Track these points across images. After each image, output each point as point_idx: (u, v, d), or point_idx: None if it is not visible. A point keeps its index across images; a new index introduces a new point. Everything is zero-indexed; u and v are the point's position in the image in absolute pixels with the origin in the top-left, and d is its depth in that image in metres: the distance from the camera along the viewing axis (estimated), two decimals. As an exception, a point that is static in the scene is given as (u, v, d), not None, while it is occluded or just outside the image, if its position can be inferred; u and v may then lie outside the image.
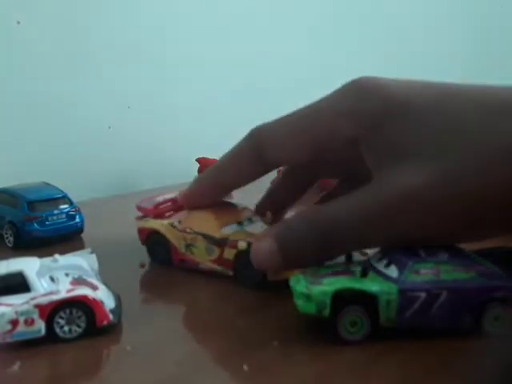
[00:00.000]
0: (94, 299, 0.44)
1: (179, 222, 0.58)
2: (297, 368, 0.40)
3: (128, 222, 0.72)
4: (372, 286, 0.42)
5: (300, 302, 0.43)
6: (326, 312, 0.42)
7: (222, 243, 0.55)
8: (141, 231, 0.61)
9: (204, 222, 0.56)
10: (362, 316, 0.42)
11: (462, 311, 0.42)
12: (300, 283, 0.44)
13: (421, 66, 1.22)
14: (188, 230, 0.57)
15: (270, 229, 0.50)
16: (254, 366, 0.40)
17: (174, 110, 1.03)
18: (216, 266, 0.55)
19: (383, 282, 0.42)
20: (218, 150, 0.88)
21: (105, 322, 0.44)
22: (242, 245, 0.53)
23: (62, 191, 0.68)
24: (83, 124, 0.94)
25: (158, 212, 0.62)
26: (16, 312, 0.43)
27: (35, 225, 0.65)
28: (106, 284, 0.49)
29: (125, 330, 0.46)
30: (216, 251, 0.55)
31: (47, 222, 0.66)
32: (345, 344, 0.42)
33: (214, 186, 0.57)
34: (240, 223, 0.56)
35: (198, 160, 0.95)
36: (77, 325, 0.44)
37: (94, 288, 0.46)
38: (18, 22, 0.86)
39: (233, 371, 0.40)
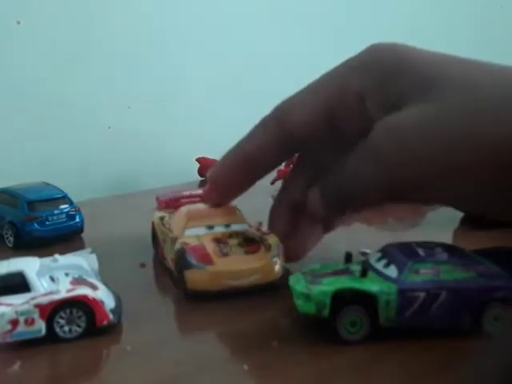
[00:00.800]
0: (94, 299, 0.44)
1: (169, 216, 0.59)
2: (297, 368, 0.40)
3: (128, 221, 0.72)
4: (372, 285, 0.42)
5: (300, 302, 0.43)
6: (326, 312, 0.42)
7: (174, 243, 0.54)
8: (151, 222, 0.62)
9: (179, 220, 0.56)
10: (361, 316, 0.42)
11: (462, 311, 0.42)
12: (300, 283, 0.44)
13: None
14: (167, 225, 0.57)
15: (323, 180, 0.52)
16: (253, 366, 0.40)
17: (173, 109, 1.03)
18: (171, 265, 0.54)
19: (383, 281, 0.42)
20: (218, 149, 0.88)
21: (105, 322, 0.44)
22: (177, 247, 0.52)
23: (62, 191, 0.68)
24: (83, 124, 0.94)
25: (174, 205, 0.62)
26: (16, 312, 0.43)
27: (35, 225, 0.65)
28: (106, 284, 0.49)
29: (125, 330, 0.46)
30: (173, 250, 0.54)
31: (47, 222, 0.65)
32: (345, 344, 0.42)
33: (240, 158, 0.55)
34: (211, 227, 0.55)
35: (198, 160, 0.95)
36: (77, 325, 0.44)
37: (94, 288, 0.46)
38: (18, 22, 0.86)
39: (233, 371, 0.40)
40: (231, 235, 0.54)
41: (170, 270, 0.55)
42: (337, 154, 0.54)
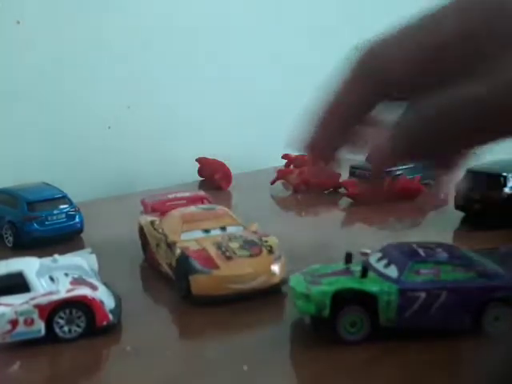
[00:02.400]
0: (94, 299, 0.44)
1: (160, 220, 0.59)
2: (297, 368, 0.40)
3: (128, 222, 0.72)
4: (372, 286, 0.42)
5: (300, 303, 0.43)
6: (326, 312, 0.42)
7: (171, 248, 0.53)
8: (139, 226, 0.62)
9: (173, 224, 0.55)
10: (361, 316, 0.42)
11: (462, 311, 0.42)
12: (300, 283, 0.44)
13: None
14: (160, 229, 0.57)
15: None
16: (254, 366, 0.40)
17: (173, 109, 1.03)
18: (168, 270, 0.54)
19: (383, 282, 0.42)
20: (218, 149, 0.88)
21: (104, 322, 0.44)
22: (177, 252, 0.51)
23: (61, 191, 0.68)
24: (83, 124, 0.94)
25: (161, 208, 0.62)
26: (16, 312, 0.43)
27: (35, 225, 0.65)
28: (105, 284, 0.49)
29: (125, 330, 0.46)
30: (170, 255, 0.53)
31: (47, 222, 0.65)
32: (345, 344, 0.42)
33: (335, 118, 0.53)
34: (207, 231, 0.54)
35: (198, 160, 0.95)
36: (76, 325, 0.44)
37: (94, 288, 0.46)
38: (18, 22, 0.86)
39: (233, 371, 0.40)
40: (230, 238, 0.54)
41: (166, 274, 0.54)
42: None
